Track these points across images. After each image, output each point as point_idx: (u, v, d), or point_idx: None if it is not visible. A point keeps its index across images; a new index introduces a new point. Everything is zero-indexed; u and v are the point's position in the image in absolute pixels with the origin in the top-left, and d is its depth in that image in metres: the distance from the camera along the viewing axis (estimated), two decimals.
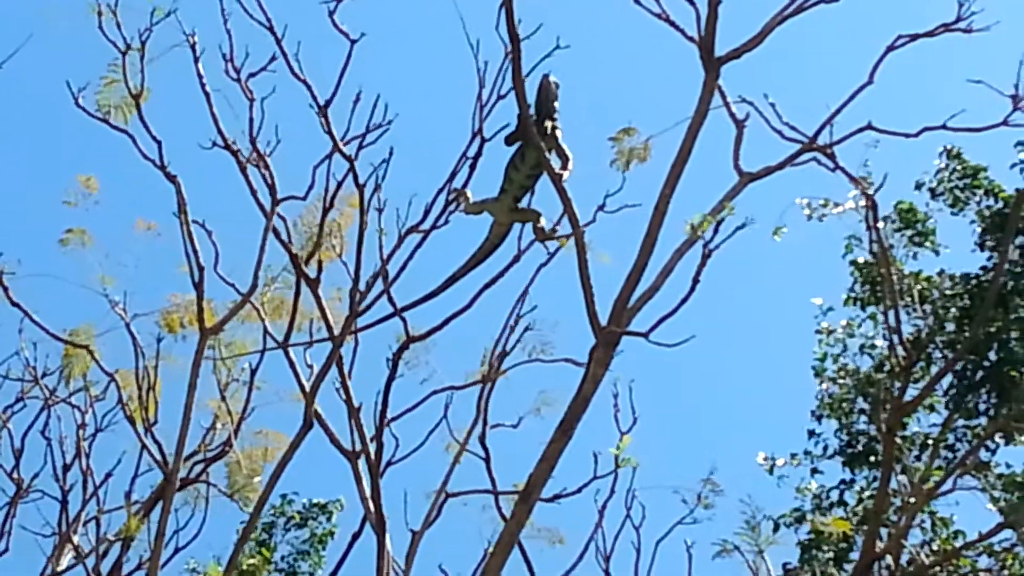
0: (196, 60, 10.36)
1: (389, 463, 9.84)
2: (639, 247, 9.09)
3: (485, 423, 10.14)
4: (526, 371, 10.58)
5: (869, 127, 10.21)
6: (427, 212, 9.87)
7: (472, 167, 9.79)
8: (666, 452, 9.45)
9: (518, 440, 10.59)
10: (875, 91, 10.15)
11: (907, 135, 10.75)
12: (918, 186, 15.78)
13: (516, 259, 9.72)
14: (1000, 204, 15.60)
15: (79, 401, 11.49)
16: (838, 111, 10.07)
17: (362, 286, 9.87)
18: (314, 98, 9.99)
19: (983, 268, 15.51)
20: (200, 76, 10.36)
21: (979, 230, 15.68)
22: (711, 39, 9.55)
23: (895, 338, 13.22)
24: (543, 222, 9.61)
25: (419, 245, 9.89)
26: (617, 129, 10.18)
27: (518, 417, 10.61)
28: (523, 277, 9.96)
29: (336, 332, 9.93)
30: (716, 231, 8.71)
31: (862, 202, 14.65)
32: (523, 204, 9.56)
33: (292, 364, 10.27)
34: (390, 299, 9.81)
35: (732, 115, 10.13)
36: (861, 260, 15.68)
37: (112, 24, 10.42)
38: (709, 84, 9.57)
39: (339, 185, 10.00)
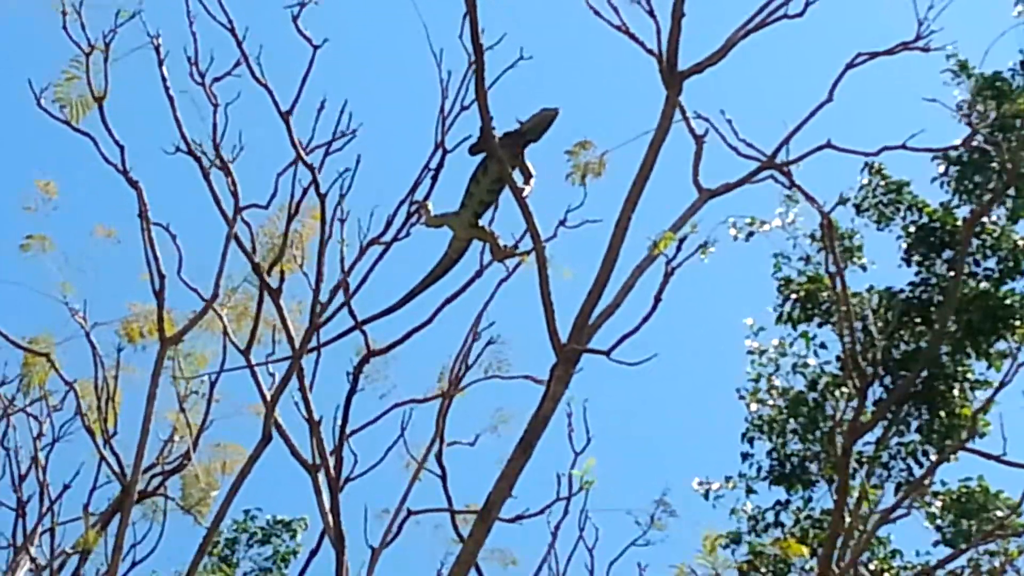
0: (160, 63, 10.31)
1: (348, 479, 9.74)
2: (600, 263, 9.05)
3: (442, 440, 10.09)
4: (482, 388, 10.53)
5: (828, 145, 10.26)
6: (389, 224, 9.83)
7: (434, 179, 9.75)
8: (613, 473, 9.43)
9: (474, 457, 10.53)
10: (835, 108, 10.20)
11: (866, 154, 10.83)
12: (843, 202, 15.61)
13: (478, 274, 9.67)
14: (925, 219, 15.64)
15: (37, 411, 11.38)
16: (797, 129, 10.11)
17: (323, 297, 9.84)
18: (276, 104, 9.95)
19: (911, 284, 15.55)
20: (164, 79, 10.32)
21: (904, 245, 15.76)
22: (674, 53, 9.52)
23: (850, 362, 13.21)
24: (501, 242, 9.54)
25: (380, 257, 9.86)
26: (574, 143, 10.16)
27: (475, 435, 10.56)
28: (484, 292, 9.93)
29: (297, 343, 9.89)
30: (679, 249, 8.74)
31: (789, 220, 14.70)
32: (485, 221, 9.51)
33: (254, 374, 10.21)
34: (351, 312, 9.76)
35: (691, 130, 10.15)
36: (793, 277, 15.68)
37: (76, 24, 10.35)
38: (671, 99, 9.51)
39: (303, 194, 9.97)
